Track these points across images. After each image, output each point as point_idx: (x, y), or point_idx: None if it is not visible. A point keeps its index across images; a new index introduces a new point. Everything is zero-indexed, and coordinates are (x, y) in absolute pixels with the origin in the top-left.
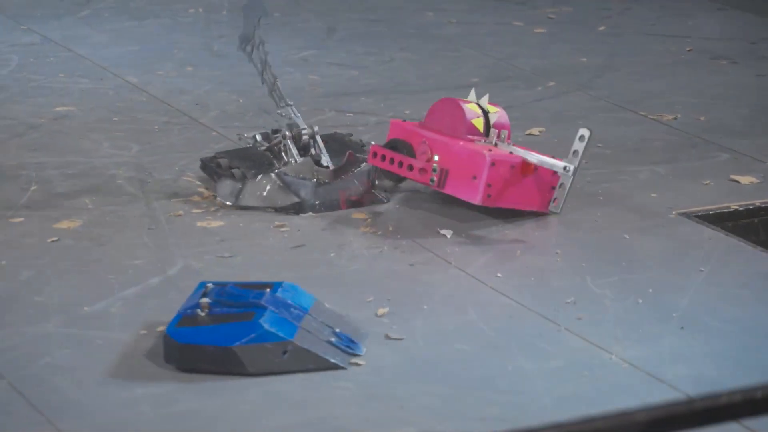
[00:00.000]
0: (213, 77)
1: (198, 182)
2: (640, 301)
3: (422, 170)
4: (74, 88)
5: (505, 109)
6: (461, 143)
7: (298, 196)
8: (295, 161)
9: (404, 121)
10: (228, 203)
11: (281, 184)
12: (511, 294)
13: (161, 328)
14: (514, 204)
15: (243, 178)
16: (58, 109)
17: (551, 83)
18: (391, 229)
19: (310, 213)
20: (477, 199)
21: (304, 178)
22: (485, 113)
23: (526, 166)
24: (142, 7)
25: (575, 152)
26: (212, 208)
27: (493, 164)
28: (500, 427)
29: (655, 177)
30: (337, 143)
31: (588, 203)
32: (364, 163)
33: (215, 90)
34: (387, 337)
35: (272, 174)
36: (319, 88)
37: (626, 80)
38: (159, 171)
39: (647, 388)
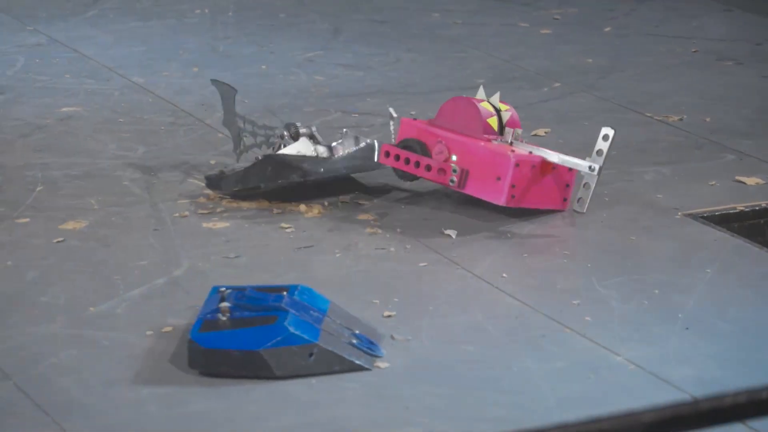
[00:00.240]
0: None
1: (204, 183)
2: (646, 302)
3: (441, 171)
4: (80, 88)
5: (514, 108)
6: (482, 143)
7: (300, 168)
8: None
9: (415, 119)
10: (235, 189)
11: (283, 161)
12: (517, 295)
13: (167, 329)
14: (535, 204)
15: (245, 168)
16: (64, 109)
17: (557, 84)
18: (398, 230)
19: (314, 214)
20: (502, 200)
21: (305, 156)
22: (498, 111)
23: (545, 165)
24: (148, 7)
25: (599, 151)
26: (218, 209)
27: (517, 165)
28: (505, 428)
29: (660, 178)
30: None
31: (594, 204)
32: (366, 142)
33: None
34: (393, 337)
35: (273, 155)
36: (324, 89)
37: (631, 81)
38: (165, 172)
39: (652, 388)
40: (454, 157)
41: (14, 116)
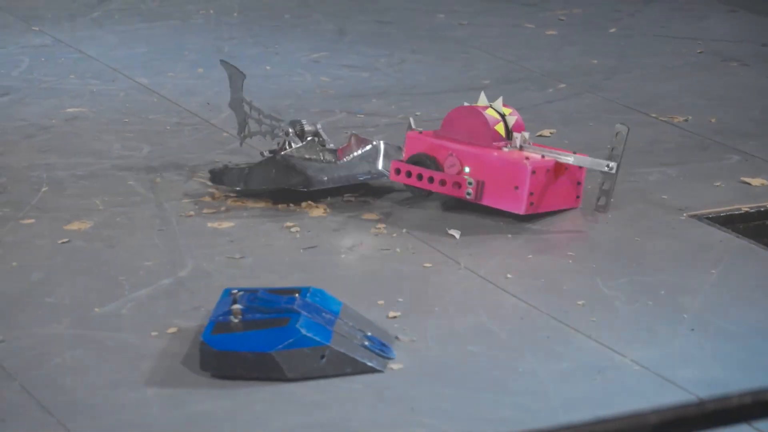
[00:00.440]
0: (224, 78)
1: (209, 183)
2: (651, 302)
3: (456, 184)
4: (85, 89)
5: (516, 110)
6: (495, 153)
7: (304, 173)
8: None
9: (420, 132)
10: (237, 188)
11: (287, 165)
12: (522, 296)
13: (172, 330)
14: (552, 207)
15: (249, 167)
16: (69, 110)
17: (562, 85)
18: (403, 230)
19: (319, 214)
20: (522, 209)
21: (309, 159)
22: (503, 117)
23: (559, 167)
24: (153, 8)
25: (614, 150)
26: (223, 209)
27: (533, 172)
28: (511, 429)
29: (665, 179)
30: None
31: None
32: (369, 146)
33: (226, 91)
34: (398, 338)
35: (277, 157)
36: (330, 90)
37: (637, 82)
38: (170, 172)
39: (658, 390)
40: (467, 169)
41: (19, 117)
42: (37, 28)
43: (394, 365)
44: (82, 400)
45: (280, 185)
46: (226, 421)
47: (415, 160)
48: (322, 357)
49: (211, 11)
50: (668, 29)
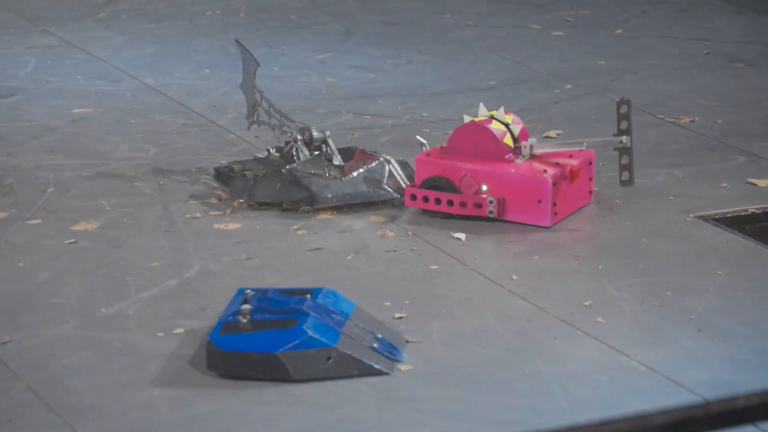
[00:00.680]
0: (230, 79)
1: (215, 184)
2: (658, 303)
3: (477, 205)
4: (92, 90)
5: (522, 111)
6: (512, 169)
7: (309, 190)
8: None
9: (427, 155)
10: (241, 200)
11: (292, 179)
12: (528, 297)
13: (179, 331)
14: (572, 209)
15: (254, 177)
16: (76, 111)
17: (569, 86)
18: (409, 232)
19: (325, 216)
20: (548, 222)
21: (315, 173)
22: (507, 126)
23: (574, 172)
24: (159, 9)
25: (621, 124)
26: (229, 210)
27: (554, 184)
28: (517, 430)
29: (672, 179)
30: (349, 156)
31: (605, 206)
32: (376, 162)
33: (232, 92)
34: (404, 340)
35: (283, 170)
36: (336, 91)
37: (644, 83)
38: (176, 173)
39: (664, 391)
40: (484, 187)
41: (26, 118)
42: (43, 29)
43: (401, 366)
44: (89, 401)
45: (284, 200)
46: (233, 421)
47: (431, 184)
48: (329, 358)
49: (218, 12)
50: (675, 30)
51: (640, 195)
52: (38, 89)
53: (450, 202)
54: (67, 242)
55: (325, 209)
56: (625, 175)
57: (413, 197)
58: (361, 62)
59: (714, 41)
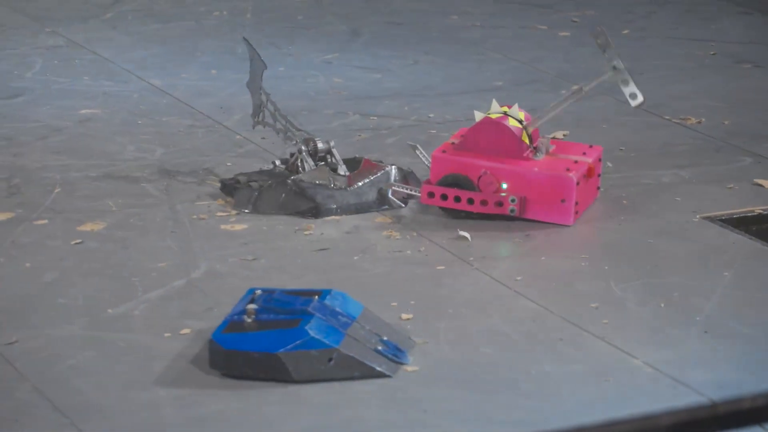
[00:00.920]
0: (237, 80)
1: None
2: (664, 305)
3: (498, 204)
4: (98, 90)
5: (528, 112)
6: (535, 168)
7: (313, 200)
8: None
9: (443, 152)
10: (245, 210)
11: (297, 190)
12: (534, 297)
13: (185, 331)
14: (586, 206)
15: (260, 188)
16: (83, 111)
17: (575, 87)
18: (415, 233)
19: (332, 217)
20: (571, 221)
21: (319, 184)
22: (521, 123)
23: (590, 170)
24: (166, 10)
25: (606, 52)
26: (235, 212)
27: (578, 183)
28: (523, 431)
29: (679, 181)
30: (355, 166)
31: (612, 207)
32: (382, 171)
33: (239, 93)
34: (411, 340)
35: (288, 180)
36: (342, 92)
37: (650, 84)
38: (183, 174)
39: (670, 392)
40: (504, 185)
41: (33, 118)
42: (50, 29)
43: (408, 367)
44: (95, 401)
45: (289, 211)
46: (238, 422)
47: (450, 181)
48: (330, 360)
49: (225, 12)
50: (681, 31)
51: (646, 196)
52: (45, 90)
53: (470, 201)
54: (73, 243)
55: None
56: (633, 96)
57: (431, 195)
58: (367, 63)
59: (720, 42)
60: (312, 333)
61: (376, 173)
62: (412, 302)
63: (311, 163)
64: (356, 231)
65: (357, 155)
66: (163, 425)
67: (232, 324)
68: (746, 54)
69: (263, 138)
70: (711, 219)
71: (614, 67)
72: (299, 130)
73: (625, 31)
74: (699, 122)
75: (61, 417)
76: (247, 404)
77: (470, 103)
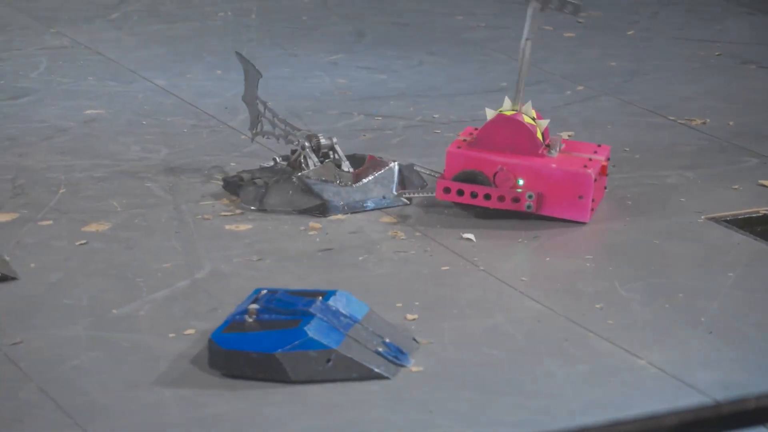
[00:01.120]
0: (242, 81)
1: (221, 184)
2: (669, 305)
3: (515, 199)
4: (103, 91)
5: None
6: (553, 165)
7: (321, 197)
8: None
9: (458, 148)
10: (252, 208)
11: (304, 187)
12: (539, 298)
13: (190, 331)
14: (597, 203)
15: (265, 185)
16: (87, 112)
17: (580, 87)
18: (419, 234)
19: (338, 215)
20: (587, 217)
21: (326, 181)
22: (534, 121)
23: (604, 167)
24: (171, 10)
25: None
26: (239, 212)
27: (595, 180)
28: (528, 431)
29: (684, 181)
30: (357, 162)
31: (617, 207)
32: (386, 168)
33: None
34: (415, 340)
35: (294, 178)
36: (347, 92)
37: (655, 85)
38: (187, 174)
39: (675, 392)
40: (520, 182)
41: (37, 119)
42: (55, 30)
43: (413, 367)
44: (99, 401)
45: (297, 208)
46: (243, 422)
47: (466, 177)
48: (328, 361)
49: (230, 13)
50: (686, 32)
51: (651, 196)
52: (50, 90)
53: (487, 196)
54: (78, 243)
55: None
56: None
57: (447, 190)
58: (372, 63)
59: (725, 43)
60: (311, 334)
61: (381, 170)
62: (417, 303)
63: (315, 159)
64: (361, 231)
65: (356, 153)
66: (167, 425)
67: (234, 324)
68: (751, 55)
69: (268, 138)
70: (716, 220)
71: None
72: (299, 129)
73: (631, 32)
74: (704, 123)
75: (65, 417)
76: (251, 405)
77: (475, 104)
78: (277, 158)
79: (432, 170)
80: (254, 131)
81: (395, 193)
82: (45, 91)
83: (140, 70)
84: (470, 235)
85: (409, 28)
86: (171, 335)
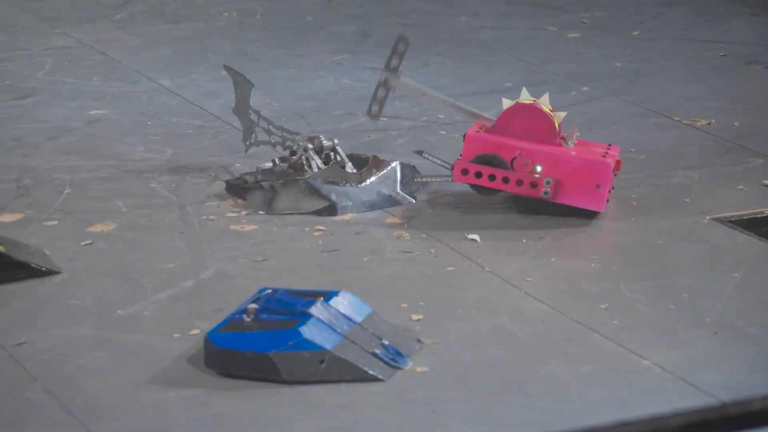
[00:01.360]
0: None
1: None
2: (674, 306)
3: (533, 184)
4: (108, 91)
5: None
6: (572, 152)
7: (329, 199)
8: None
9: (478, 132)
10: (261, 212)
11: (312, 189)
12: (544, 299)
13: (194, 332)
14: (609, 197)
15: (272, 189)
16: (92, 112)
17: (585, 88)
18: (424, 234)
19: (347, 215)
20: (603, 207)
21: (332, 182)
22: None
23: (618, 162)
24: (176, 11)
25: (394, 60)
26: (245, 212)
27: (613, 171)
28: None
29: (688, 182)
30: (357, 162)
31: (622, 208)
32: (390, 167)
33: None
34: (420, 341)
35: (301, 180)
36: (352, 93)
37: (660, 85)
38: (192, 174)
39: (680, 393)
40: (538, 168)
41: (42, 119)
42: (60, 30)
43: (418, 368)
44: (104, 402)
45: (306, 211)
46: (248, 423)
47: (485, 160)
48: (322, 362)
49: (234, 14)
50: (691, 32)
51: (656, 197)
52: (55, 90)
53: (505, 179)
54: (83, 243)
55: None
56: (376, 107)
57: (465, 172)
58: (377, 64)
59: (730, 43)
60: (305, 334)
61: (383, 169)
62: (422, 303)
63: (318, 161)
64: (366, 232)
65: (353, 153)
66: (172, 426)
67: (232, 323)
68: (756, 55)
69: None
70: (721, 220)
71: (386, 79)
72: (298, 134)
73: (635, 32)
74: (709, 123)
75: (70, 417)
76: (256, 405)
77: (480, 104)
78: (276, 159)
79: (442, 160)
80: (248, 143)
81: (400, 192)
82: (50, 92)
83: (145, 70)
84: (475, 236)
85: (414, 29)
86: (176, 335)
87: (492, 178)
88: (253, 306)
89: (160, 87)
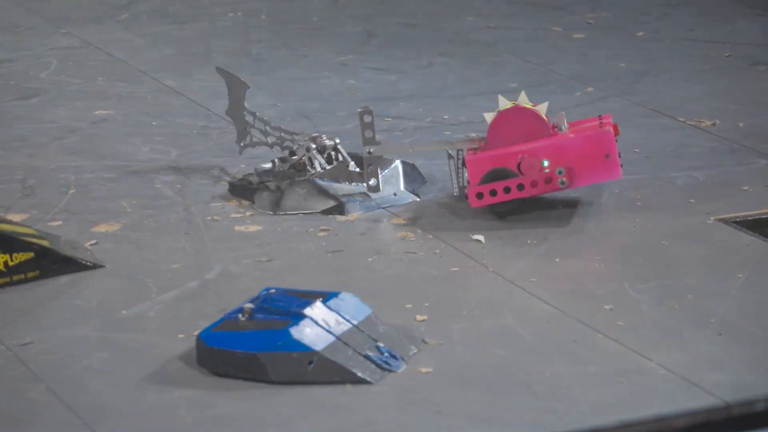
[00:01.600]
0: (251, 81)
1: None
2: (678, 306)
3: (548, 180)
4: (113, 91)
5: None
6: (571, 135)
7: (337, 199)
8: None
9: (475, 152)
10: (269, 212)
11: (319, 189)
12: (548, 299)
13: (199, 332)
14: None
15: (278, 189)
16: (97, 112)
17: (590, 89)
18: (429, 235)
19: (354, 213)
20: (620, 174)
21: (339, 182)
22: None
23: (615, 126)
24: (180, 11)
25: (368, 133)
26: (249, 213)
27: (615, 137)
28: None
29: (693, 182)
30: (358, 161)
31: (626, 209)
32: (391, 166)
33: (253, 94)
34: (425, 341)
35: (308, 180)
36: (357, 93)
37: (665, 86)
38: (197, 175)
39: (685, 394)
40: (545, 163)
41: (47, 119)
42: (65, 30)
43: (422, 368)
44: (109, 402)
45: (314, 210)
46: (252, 424)
47: (494, 176)
48: (310, 363)
49: (239, 14)
50: (696, 33)
51: (660, 197)
52: (60, 91)
53: (520, 186)
54: (88, 244)
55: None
56: (374, 181)
57: (480, 196)
58: (382, 64)
59: (735, 44)
60: (294, 335)
61: (386, 168)
62: (426, 304)
63: (321, 160)
64: (370, 232)
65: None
66: (175, 426)
67: (226, 322)
68: (761, 56)
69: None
70: (725, 221)
71: (370, 152)
72: (297, 134)
73: (640, 33)
74: (713, 124)
75: (74, 417)
76: (260, 405)
77: (485, 105)
78: (276, 160)
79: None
80: (242, 144)
81: (404, 189)
82: (55, 92)
83: (150, 70)
84: (480, 237)
85: (418, 30)
86: (180, 336)
87: (507, 190)
88: (250, 306)
89: (164, 87)
